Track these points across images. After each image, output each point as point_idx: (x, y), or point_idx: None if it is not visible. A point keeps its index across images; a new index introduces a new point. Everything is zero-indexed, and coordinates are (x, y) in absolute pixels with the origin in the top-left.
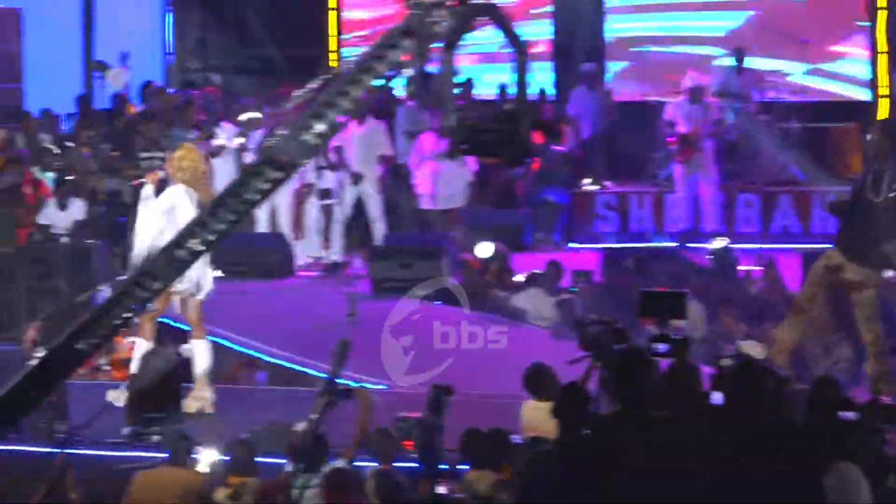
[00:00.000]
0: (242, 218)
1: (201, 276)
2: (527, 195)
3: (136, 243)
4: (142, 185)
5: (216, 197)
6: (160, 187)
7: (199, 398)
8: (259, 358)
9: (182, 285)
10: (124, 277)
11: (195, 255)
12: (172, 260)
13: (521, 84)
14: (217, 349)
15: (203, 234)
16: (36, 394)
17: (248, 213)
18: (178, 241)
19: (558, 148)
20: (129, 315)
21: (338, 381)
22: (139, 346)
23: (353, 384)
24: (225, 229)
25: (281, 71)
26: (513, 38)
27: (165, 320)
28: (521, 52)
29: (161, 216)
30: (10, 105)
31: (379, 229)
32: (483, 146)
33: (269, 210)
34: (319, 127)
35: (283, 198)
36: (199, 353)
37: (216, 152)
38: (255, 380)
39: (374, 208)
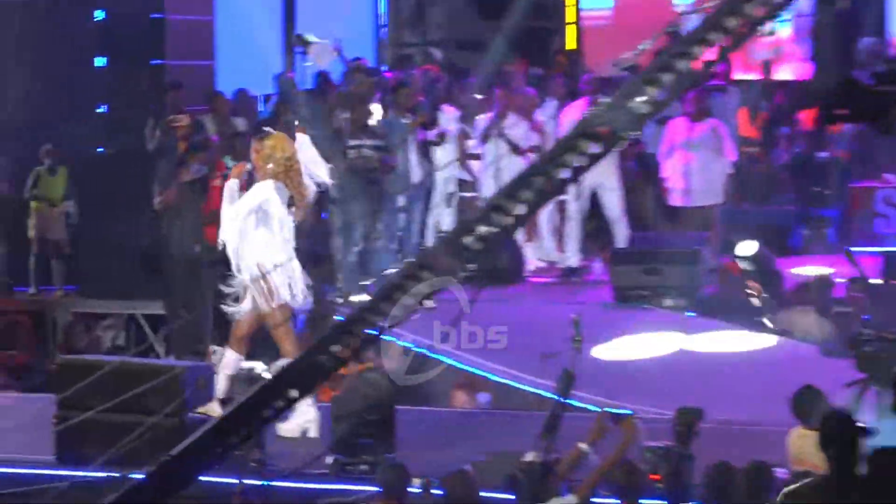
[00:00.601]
0: (548, 200)
1: (302, 281)
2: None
3: (230, 252)
4: (224, 176)
5: (518, 174)
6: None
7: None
8: (482, 377)
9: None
10: (394, 270)
11: (486, 243)
12: (457, 248)
13: None
14: (435, 366)
15: (498, 218)
16: (276, 406)
17: (556, 194)
18: (467, 226)
19: None
20: (400, 314)
21: (567, 403)
22: (227, 359)
23: (620, 411)
24: (526, 213)
25: (512, 45)
26: None
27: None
28: None
29: (249, 216)
30: (200, 85)
31: (621, 229)
32: (865, 111)
33: None
34: (652, 93)
35: None
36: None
37: (436, 140)
38: (478, 402)
39: (614, 205)
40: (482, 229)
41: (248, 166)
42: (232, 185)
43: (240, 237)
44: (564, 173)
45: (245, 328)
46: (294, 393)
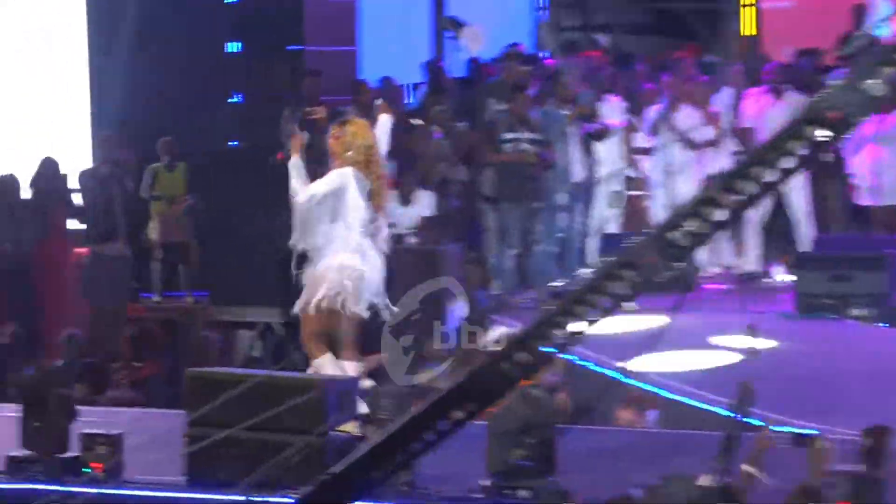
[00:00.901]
0: (768, 192)
1: (378, 286)
2: None
3: (297, 240)
4: (287, 158)
5: (736, 164)
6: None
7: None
8: (652, 393)
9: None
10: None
11: (697, 240)
12: (663, 245)
13: None
14: (599, 381)
15: (710, 212)
16: (453, 419)
17: (779, 183)
18: (675, 221)
19: None
20: (598, 318)
21: (745, 421)
22: (322, 366)
23: (806, 431)
24: (742, 207)
25: (682, 29)
26: None
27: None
28: None
29: (324, 200)
30: (342, 73)
31: (805, 231)
32: None
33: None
34: (889, 74)
35: (683, 190)
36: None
37: (598, 135)
38: (646, 420)
39: (799, 205)
40: (692, 224)
41: (306, 136)
42: (297, 162)
43: (312, 224)
44: (788, 163)
45: (314, 323)
46: (472, 406)
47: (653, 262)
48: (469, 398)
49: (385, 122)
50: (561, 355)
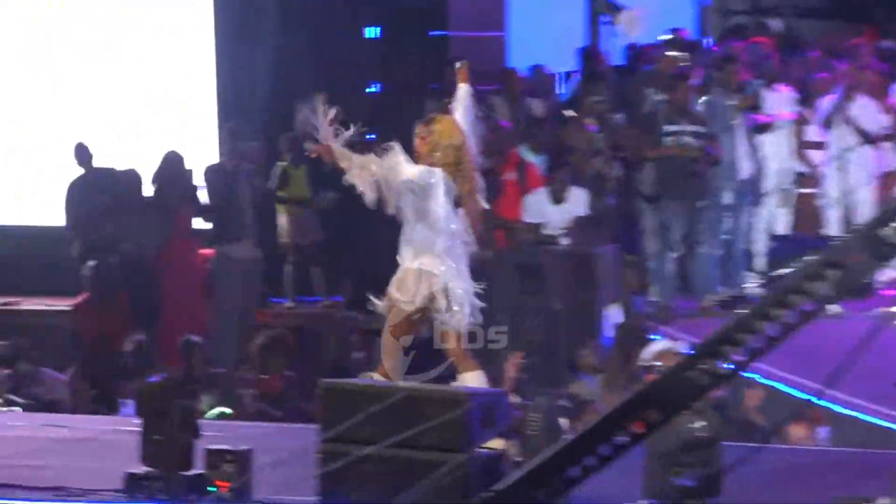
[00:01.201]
0: None
1: (466, 295)
2: None
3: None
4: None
5: None
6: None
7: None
8: (825, 408)
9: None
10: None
11: None
12: (873, 242)
13: None
14: (767, 395)
15: None
16: (632, 432)
17: None
18: (887, 217)
19: None
20: (797, 322)
21: None
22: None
23: None
24: None
25: (860, 13)
26: None
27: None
28: None
29: (412, 187)
30: (489, 60)
31: None
32: None
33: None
34: None
35: (860, 188)
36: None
37: (764, 128)
38: (816, 437)
39: None
40: None
41: None
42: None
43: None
44: None
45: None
46: (653, 417)
47: (861, 262)
48: (650, 409)
49: (463, 93)
50: (751, 364)
